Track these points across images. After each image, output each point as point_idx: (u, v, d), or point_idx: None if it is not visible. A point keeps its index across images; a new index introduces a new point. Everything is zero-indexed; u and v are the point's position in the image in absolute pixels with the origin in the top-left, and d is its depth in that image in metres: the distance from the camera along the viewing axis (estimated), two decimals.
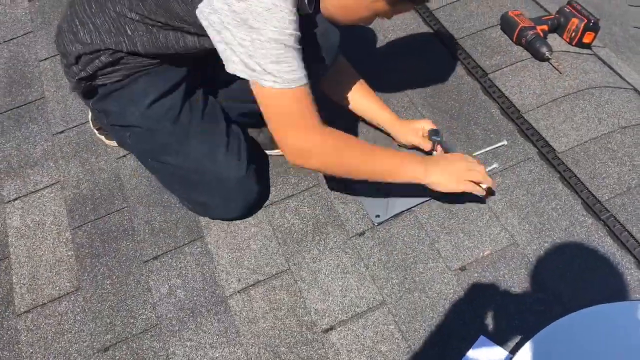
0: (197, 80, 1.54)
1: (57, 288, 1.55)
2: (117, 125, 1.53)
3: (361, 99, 1.68)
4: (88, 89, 1.47)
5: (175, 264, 1.56)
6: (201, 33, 1.24)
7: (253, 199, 1.60)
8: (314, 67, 1.44)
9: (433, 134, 1.61)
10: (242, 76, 1.19)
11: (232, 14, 1.11)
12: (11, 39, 2.22)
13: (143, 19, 1.30)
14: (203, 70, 1.52)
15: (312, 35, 1.40)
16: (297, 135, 1.27)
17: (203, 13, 1.16)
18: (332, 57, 1.52)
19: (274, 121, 1.26)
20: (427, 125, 1.64)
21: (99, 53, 1.38)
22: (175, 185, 1.61)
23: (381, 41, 2.02)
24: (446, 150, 1.62)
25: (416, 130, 1.66)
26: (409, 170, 1.40)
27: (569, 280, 1.42)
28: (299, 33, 1.18)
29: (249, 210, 1.62)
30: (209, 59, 1.31)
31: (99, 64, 1.40)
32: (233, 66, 1.19)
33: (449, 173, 1.43)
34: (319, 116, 1.27)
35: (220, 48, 1.19)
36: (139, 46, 1.36)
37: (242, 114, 1.62)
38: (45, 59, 2.11)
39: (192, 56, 1.41)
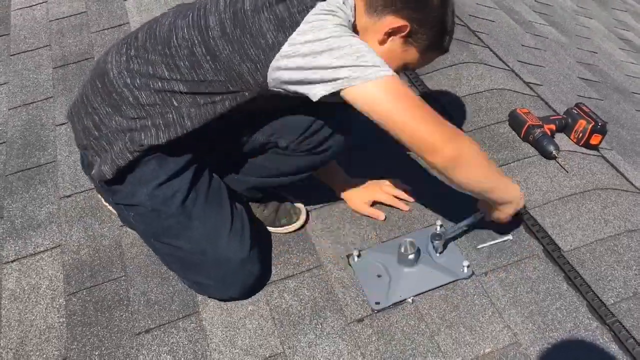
0: (206, 161, 1.55)
1: (44, 357, 1.51)
2: (123, 204, 1.52)
3: None
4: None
5: (167, 339, 1.52)
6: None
7: (252, 281, 1.58)
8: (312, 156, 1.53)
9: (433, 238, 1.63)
10: (349, 84, 1.21)
11: (319, 45, 1.20)
12: (31, 103, 2.28)
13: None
14: (212, 149, 1.54)
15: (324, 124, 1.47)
16: (444, 123, 1.28)
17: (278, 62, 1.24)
18: (336, 151, 1.57)
19: (410, 114, 1.25)
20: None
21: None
22: (175, 265, 1.59)
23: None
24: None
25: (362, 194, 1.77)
26: (510, 193, 1.48)
27: None
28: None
29: (248, 292, 1.59)
30: (227, 130, 1.35)
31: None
32: (325, 87, 1.22)
33: (519, 193, 1.50)
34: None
35: (310, 76, 1.23)
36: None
37: (248, 188, 1.63)
38: (62, 124, 2.16)
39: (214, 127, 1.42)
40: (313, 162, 1.57)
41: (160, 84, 1.36)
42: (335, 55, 1.19)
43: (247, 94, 1.33)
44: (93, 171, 1.49)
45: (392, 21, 1.31)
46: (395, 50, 1.35)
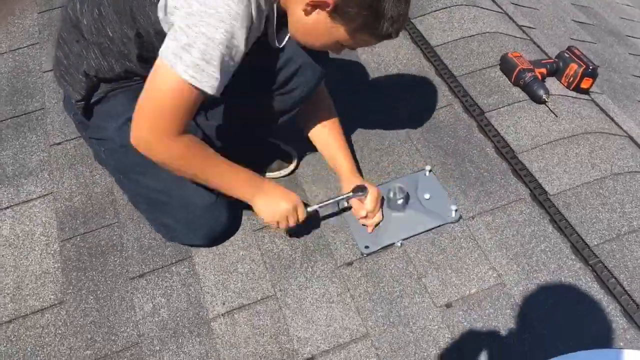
0: None
1: (41, 300, 1.55)
2: (94, 138, 1.55)
3: (327, 137, 1.68)
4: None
5: (161, 283, 1.55)
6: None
7: (219, 229, 1.59)
8: (279, 98, 1.49)
9: (357, 190, 1.58)
10: (161, 55, 1.20)
11: (188, 1, 1.16)
12: (17, 49, 2.24)
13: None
14: None
15: (284, 66, 1.43)
16: (154, 129, 1.27)
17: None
18: (306, 91, 1.52)
19: (149, 101, 1.26)
20: (372, 190, 1.60)
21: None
22: (143, 205, 1.61)
23: (381, 73, 2.04)
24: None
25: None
26: (240, 192, 1.46)
27: (554, 323, 1.41)
28: (243, 50, 1.23)
29: (213, 240, 1.61)
30: None
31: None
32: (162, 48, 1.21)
33: (271, 210, 1.47)
34: (187, 124, 1.29)
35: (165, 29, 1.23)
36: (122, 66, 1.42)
37: (235, 133, 1.63)
38: (49, 71, 2.13)
39: None
40: (285, 103, 1.56)
41: (97, 12, 1.38)
42: (185, 24, 1.18)
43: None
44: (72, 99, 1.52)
45: None
46: (321, 24, 1.26)
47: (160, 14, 1.24)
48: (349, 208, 1.65)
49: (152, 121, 1.27)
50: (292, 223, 1.50)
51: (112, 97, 1.48)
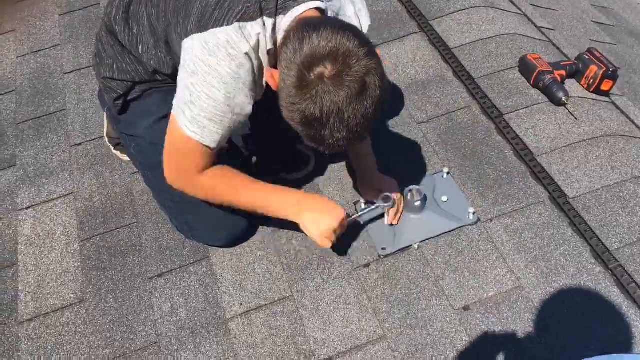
0: None
1: (61, 299, 1.57)
2: (125, 133, 1.59)
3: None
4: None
5: (179, 283, 1.57)
6: None
7: (239, 231, 1.61)
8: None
9: (383, 199, 1.58)
10: (172, 110, 1.29)
11: (194, 60, 1.21)
12: (39, 51, 2.27)
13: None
14: None
15: None
16: (178, 171, 1.38)
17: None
18: None
19: (169, 146, 1.34)
20: (390, 187, 1.60)
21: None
22: (168, 202, 1.63)
23: (399, 75, 2.04)
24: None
25: (374, 191, 1.62)
26: (282, 210, 1.45)
27: (573, 328, 1.40)
28: (248, 105, 1.27)
29: (233, 242, 1.62)
30: None
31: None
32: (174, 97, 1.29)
33: (319, 228, 1.42)
34: (207, 165, 1.35)
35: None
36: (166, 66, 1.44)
37: (249, 136, 1.64)
38: (70, 72, 2.16)
39: None
40: None
41: (134, 27, 1.44)
42: (190, 82, 1.23)
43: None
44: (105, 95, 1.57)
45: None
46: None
47: (180, 56, 1.28)
48: (381, 216, 1.63)
49: (175, 164, 1.37)
50: (332, 238, 1.46)
51: (148, 95, 1.53)
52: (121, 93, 1.51)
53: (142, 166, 1.64)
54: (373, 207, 1.58)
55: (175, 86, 1.31)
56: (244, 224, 1.60)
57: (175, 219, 1.64)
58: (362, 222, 1.63)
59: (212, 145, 1.29)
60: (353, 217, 1.56)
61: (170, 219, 1.66)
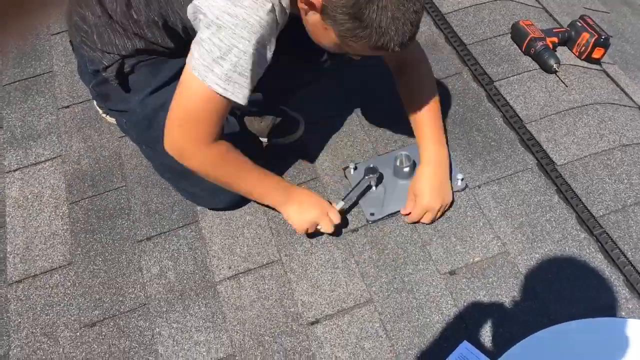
0: None
1: (50, 260, 1.57)
2: (115, 110, 1.56)
3: (416, 114, 1.63)
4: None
5: (168, 246, 1.57)
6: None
7: (239, 196, 1.59)
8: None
9: (369, 171, 1.59)
10: (190, 69, 1.22)
11: (217, 14, 1.15)
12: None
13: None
14: None
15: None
16: (187, 137, 1.31)
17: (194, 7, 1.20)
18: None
19: (180, 110, 1.29)
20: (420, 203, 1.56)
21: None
22: (167, 174, 1.62)
23: None
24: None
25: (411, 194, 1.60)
26: (271, 199, 1.52)
27: (557, 292, 1.42)
28: (270, 56, 1.23)
29: (236, 203, 1.62)
30: None
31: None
32: (190, 57, 1.23)
33: (300, 218, 1.50)
34: (219, 132, 1.32)
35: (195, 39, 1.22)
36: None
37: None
38: (57, 33, 2.13)
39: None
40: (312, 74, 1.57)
41: None
42: (216, 37, 1.17)
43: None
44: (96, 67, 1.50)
45: None
46: (317, 25, 1.21)
47: (190, 17, 1.23)
48: (370, 187, 1.64)
49: (185, 129, 1.31)
50: (330, 230, 1.51)
51: (136, 69, 1.47)
52: (106, 64, 1.44)
53: (139, 140, 1.62)
54: (359, 183, 1.59)
55: (162, 58, 1.29)
56: None
57: (177, 188, 1.64)
58: (354, 200, 1.62)
59: (243, 101, 1.24)
60: (341, 203, 1.56)
61: (172, 188, 1.67)
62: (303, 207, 1.50)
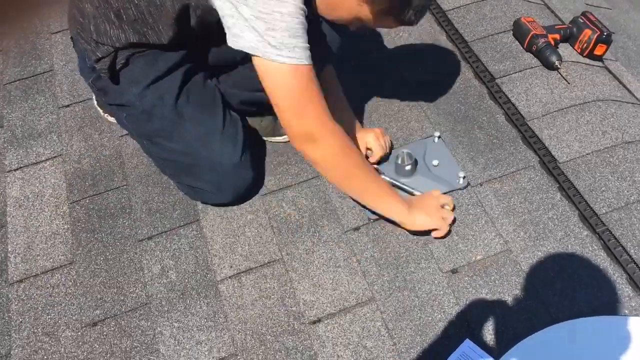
0: (198, 65, 1.53)
1: (51, 260, 1.57)
2: (114, 104, 1.54)
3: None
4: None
5: (169, 245, 1.57)
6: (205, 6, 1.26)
7: (245, 187, 1.60)
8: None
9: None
10: (251, 52, 1.18)
11: None
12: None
13: None
14: (204, 56, 1.51)
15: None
16: (313, 115, 1.27)
17: None
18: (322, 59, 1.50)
19: (286, 98, 1.25)
20: (371, 137, 1.64)
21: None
22: (169, 169, 1.62)
23: (391, 37, 2.01)
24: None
25: (361, 140, 1.65)
26: (394, 209, 1.48)
27: (559, 290, 1.42)
28: (306, 9, 1.20)
29: (241, 197, 1.62)
30: (210, 41, 1.31)
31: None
32: (242, 42, 1.18)
33: (428, 213, 1.49)
34: (325, 103, 1.28)
35: (230, 23, 1.18)
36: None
37: (243, 101, 1.62)
38: (57, 32, 2.12)
39: (194, 35, 1.41)
40: None
41: None
42: (256, 10, 1.14)
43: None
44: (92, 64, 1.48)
45: None
46: (348, 1, 1.23)
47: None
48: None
49: (298, 114, 1.26)
50: (451, 216, 1.52)
51: (132, 62, 1.45)
52: (100, 56, 1.43)
53: (139, 135, 1.60)
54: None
55: (156, 51, 1.27)
56: (249, 179, 1.59)
57: (179, 183, 1.63)
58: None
59: (308, 61, 1.21)
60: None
61: (174, 183, 1.66)
62: (422, 207, 1.50)
